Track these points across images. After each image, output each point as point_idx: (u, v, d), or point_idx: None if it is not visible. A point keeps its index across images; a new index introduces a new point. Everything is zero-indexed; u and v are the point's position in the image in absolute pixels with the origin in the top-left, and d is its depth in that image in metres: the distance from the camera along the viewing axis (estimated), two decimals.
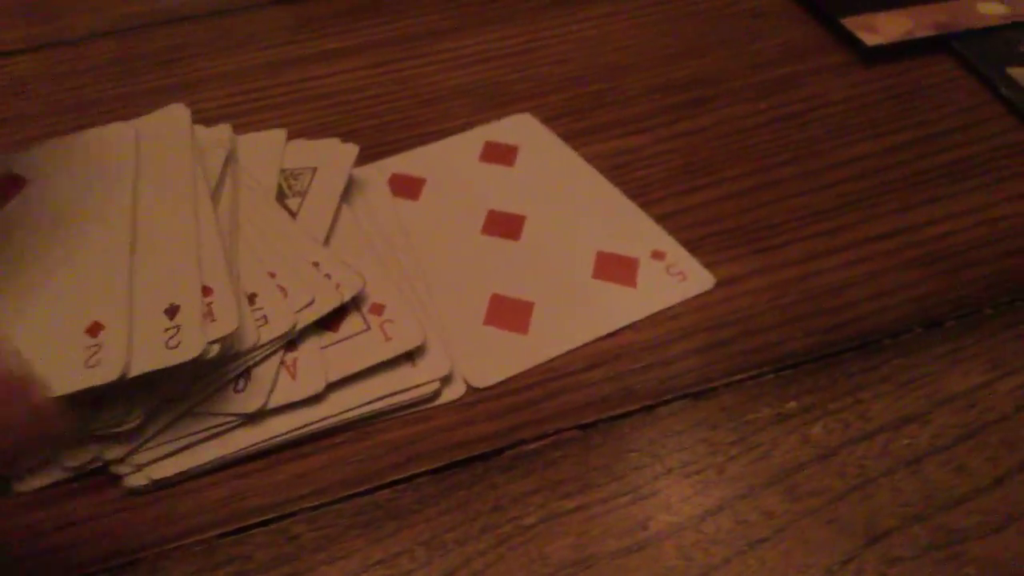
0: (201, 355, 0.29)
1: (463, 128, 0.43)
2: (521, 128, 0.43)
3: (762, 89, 0.45)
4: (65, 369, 0.29)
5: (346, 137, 0.40)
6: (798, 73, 0.46)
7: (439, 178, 0.41)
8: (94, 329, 0.30)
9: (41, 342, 0.30)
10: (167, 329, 0.30)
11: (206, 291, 0.31)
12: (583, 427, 0.30)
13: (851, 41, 0.47)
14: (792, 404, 0.31)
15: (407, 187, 0.40)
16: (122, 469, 0.29)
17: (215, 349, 0.29)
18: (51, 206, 0.35)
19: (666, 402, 0.31)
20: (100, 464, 0.30)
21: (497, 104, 0.45)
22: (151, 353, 0.29)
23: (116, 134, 0.38)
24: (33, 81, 0.48)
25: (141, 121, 0.38)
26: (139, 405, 0.29)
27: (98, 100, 0.46)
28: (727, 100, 0.44)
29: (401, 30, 0.50)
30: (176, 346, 0.29)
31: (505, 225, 0.38)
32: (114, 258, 0.32)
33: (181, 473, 0.30)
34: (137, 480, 0.29)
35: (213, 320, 0.30)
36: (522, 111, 0.44)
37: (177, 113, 0.38)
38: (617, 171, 0.40)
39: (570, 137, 0.42)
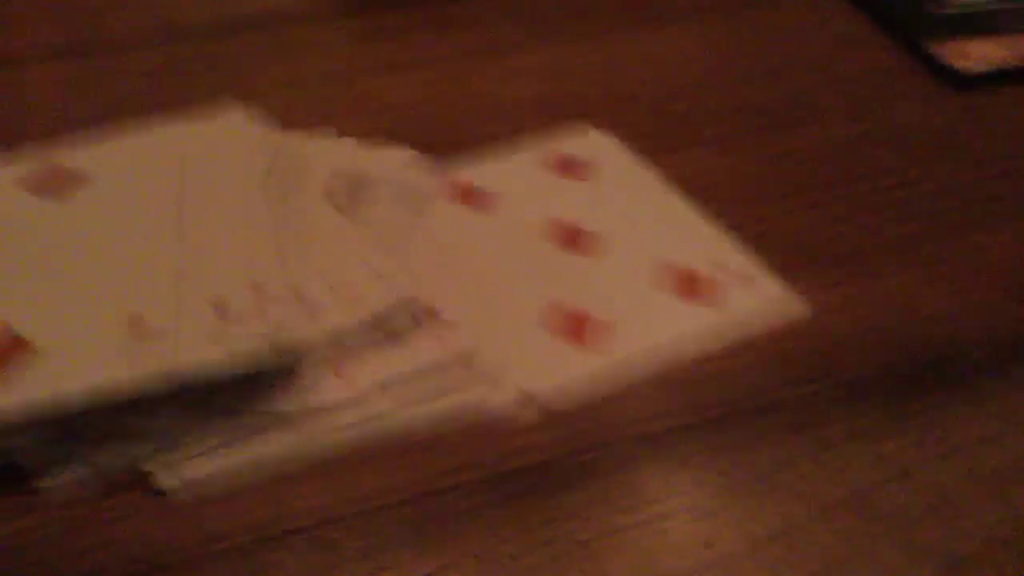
0: (249, 354, 0.27)
1: (531, 141, 0.42)
2: (594, 143, 0.42)
3: (849, 113, 0.43)
4: (106, 365, 0.27)
5: (407, 145, 0.39)
6: (886, 98, 0.44)
7: (508, 190, 0.39)
8: (138, 324, 0.28)
9: (83, 336, 0.28)
10: (215, 325, 0.28)
11: (256, 289, 0.30)
12: (644, 439, 0.29)
13: (940, 68, 0.45)
14: (866, 422, 0.29)
15: (472, 197, 0.39)
16: (155, 468, 0.28)
17: (265, 347, 0.28)
18: (99, 199, 0.34)
19: (733, 416, 0.29)
20: (134, 463, 0.28)
21: (568, 118, 0.43)
22: (197, 351, 0.28)
23: (173, 133, 0.37)
24: (90, 82, 0.47)
25: (199, 122, 0.37)
26: (178, 403, 0.28)
27: (155, 103, 0.45)
28: (813, 123, 0.42)
29: (470, 43, 0.49)
30: (225, 343, 0.28)
31: (574, 238, 0.36)
32: (160, 253, 0.31)
33: (217, 475, 0.28)
34: (170, 480, 0.28)
35: (262, 319, 0.29)
36: (595, 127, 0.43)
37: (234, 114, 0.38)
38: (697, 191, 0.38)
39: (647, 154, 0.40)
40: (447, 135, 0.42)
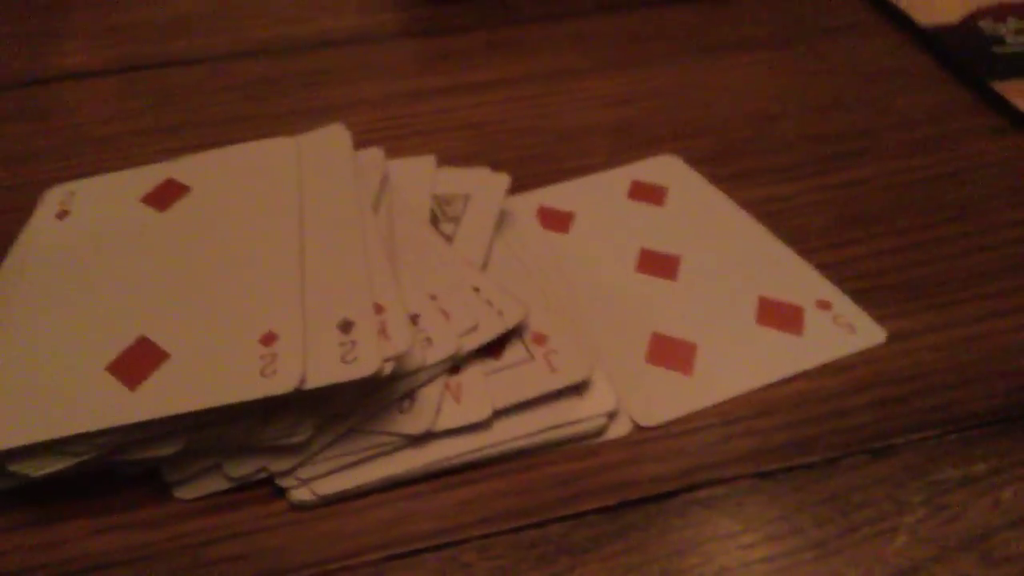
0: (377, 372, 0.28)
1: (605, 166, 0.43)
2: (668, 169, 0.43)
3: (914, 146, 0.44)
4: (240, 377, 0.28)
5: (490, 167, 0.40)
6: (950, 133, 0.45)
7: (588, 213, 0.40)
8: (268, 339, 0.29)
9: (216, 348, 0.29)
10: (342, 343, 0.29)
11: (378, 308, 0.30)
12: (760, 476, 0.29)
13: (1002, 106, 0.46)
14: (979, 466, 0.29)
15: (556, 220, 0.40)
16: (288, 482, 0.29)
17: (390, 367, 0.29)
18: (215, 213, 0.35)
19: (846, 456, 0.30)
20: (265, 476, 0.29)
21: (639, 144, 0.44)
22: (327, 367, 0.28)
23: (278, 148, 0.38)
24: (179, 94, 0.48)
25: (302, 137, 0.38)
26: (308, 419, 0.29)
27: (244, 117, 0.47)
28: (879, 155, 0.43)
29: (539, 67, 0.50)
30: (352, 361, 0.28)
31: (660, 264, 0.37)
32: (285, 269, 0.32)
33: (347, 490, 0.29)
34: (303, 495, 0.29)
35: (387, 338, 0.29)
36: (664, 153, 0.44)
37: (337, 132, 0.38)
38: (769, 218, 0.39)
39: (717, 181, 0.41)
40: (521, 157, 0.43)
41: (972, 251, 0.37)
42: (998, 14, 0.52)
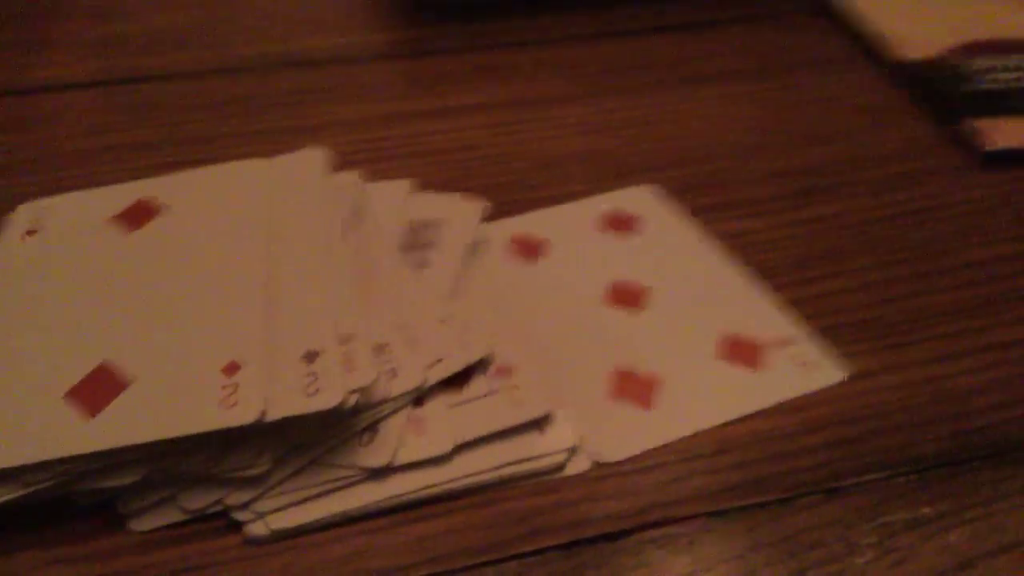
0: (341, 404, 0.28)
1: (580, 194, 0.43)
2: (642, 199, 0.43)
3: (881, 184, 0.44)
4: (201, 408, 0.28)
5: (466, 193, 0.40)
6: (917, 171, 0.45)
7: (560, 242, 0.40)
8: (231, 369, 0.29)
9: (177, 377, 0.29)
10: (306, 374, 0.29)
11: (344, 338, 0.31)
12: (714, 515, 0.30)
13: (969, 144, 0.47)
14: (927, 510, 0.30)
15: (529, 249, 0.40)
16: (244, 516, 0.29)
17: (353, 399, 0.29)
18: (184, 235, 0.35)
19: (800, 496, 0.30)
20: (220, 508, 0.29)
21: (614, 174, 0.45)
22: (289, 398, 0.29)
23: (253, 169, 0.38)
24: (159, 110, 0.48)
25: (278, 160, 0.38)
26: (268, 450, 0.29)
27: (218, 136, 0.47)
28: (847, 192, 0.44)
29: (517, 94, 0.51)
30: (315, 393, 0.29)
31: (629, 295, 0.37)
32: (250, 297, 0.32)
33: (303, 525, 0.29)
34: (258, 529, 0.29)
35: (352, 369, 0.30)
36: (640, 183, 0.44)
37: (313, 155, 0.39)
38: (738, 252, 0.40)
39: (692, 213, 0.42)
40: (497, 183, 0.44)
41: (934, 291, 0.38)
42: (971, 52, 0.52)
